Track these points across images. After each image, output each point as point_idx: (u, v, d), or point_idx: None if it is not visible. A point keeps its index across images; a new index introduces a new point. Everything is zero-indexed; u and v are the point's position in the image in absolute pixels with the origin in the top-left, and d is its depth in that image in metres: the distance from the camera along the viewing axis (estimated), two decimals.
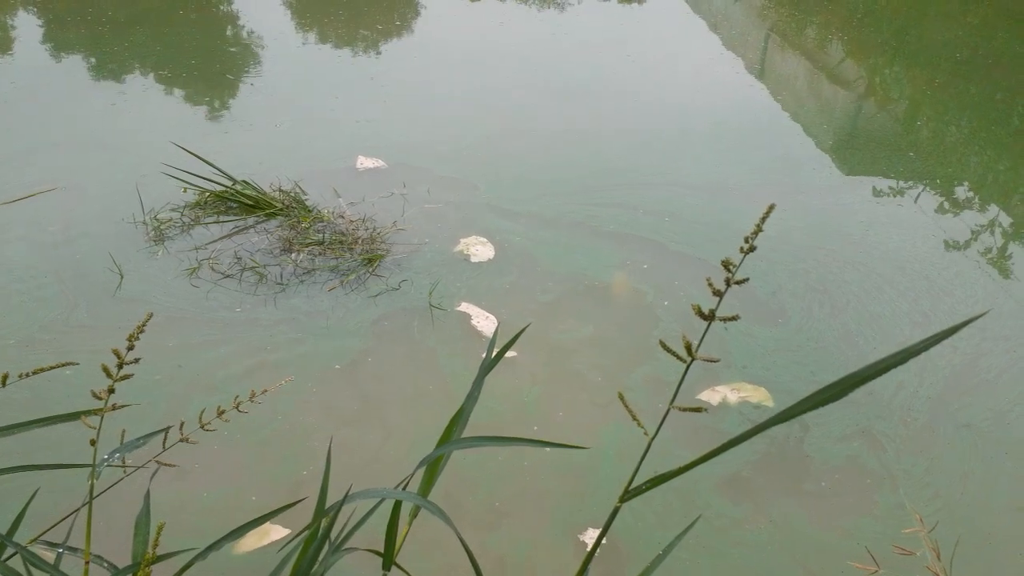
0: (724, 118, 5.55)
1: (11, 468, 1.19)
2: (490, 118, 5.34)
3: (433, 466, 1.19)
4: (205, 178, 4.09)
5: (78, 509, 1.29)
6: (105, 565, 1.23)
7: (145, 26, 6.43)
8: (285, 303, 3.49)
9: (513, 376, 3.18)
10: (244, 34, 6.60)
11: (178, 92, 5.42)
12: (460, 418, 1.17)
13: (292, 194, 4.17)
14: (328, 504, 1.14)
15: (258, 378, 3.07)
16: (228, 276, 3.63)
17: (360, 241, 3.88)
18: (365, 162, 4.61)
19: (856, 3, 8.45)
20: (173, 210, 4.06)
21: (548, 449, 2.83)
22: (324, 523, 1.10)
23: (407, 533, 1.21)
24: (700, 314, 0.84)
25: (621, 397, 0.95)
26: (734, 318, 0.86)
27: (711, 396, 3.14)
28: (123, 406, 1.20)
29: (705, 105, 5.75)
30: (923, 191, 4.82)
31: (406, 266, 3.78)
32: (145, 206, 4.05)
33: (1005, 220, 4.61)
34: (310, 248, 3.82)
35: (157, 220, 3.96)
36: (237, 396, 1.41)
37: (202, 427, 1.31)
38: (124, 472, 1.28)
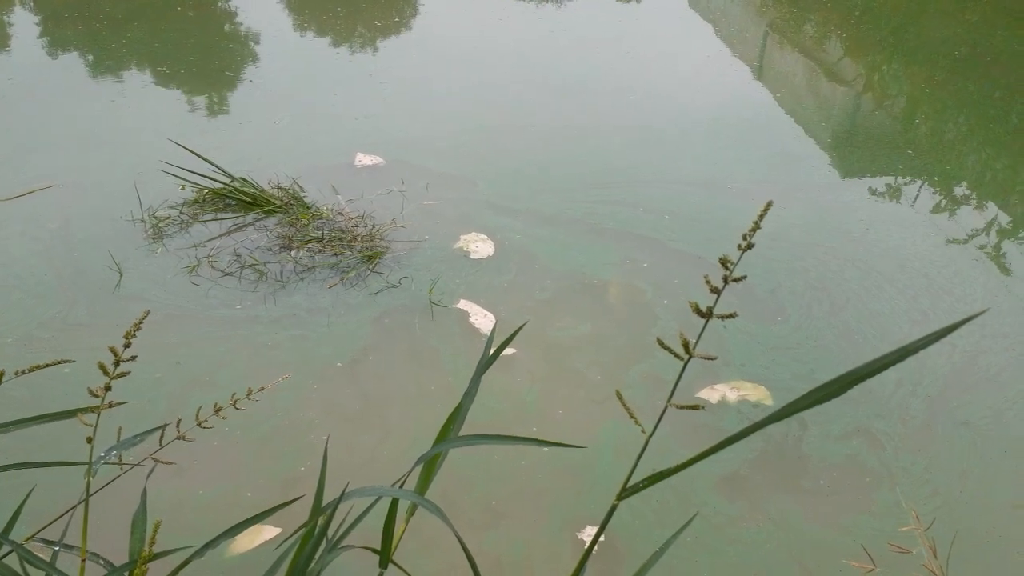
0: (722, 115, 5.55)
1: (8, 466, 1.19)
2: (488, 115, 5.33)
3: (430, 464, 1.18)
4: (203, 175, 4.09)
5: (74, 507, 1.28)
6: (101, 563, 1.23)
7: (143, 22, 6.41)
8: (286, 300, 3.49)
9: (512, 374, 3.17)
10: (242, 31, 6.59)
11: (176, 89, 5.40)
12: (457, 416, 1.17)
13: (291, 191, 4.16)
14: (325, 502, 1.14)
15: (259, 376, 3.06)
16: (228, 274, 3.62)
17: (359, 238, 3.87)
18: (363, 159, 4.60)
19: (854, 0, 8.45)
20: (171, 207, 4.05)
21: (546, 449, 2.83)
22: (321, 521, 1.10)
23: (404, 531, 1.20)
24: (698, 311, 0.84)
25: (619, 395, 0.94)
26: (732, 315, 0.85)
27: (710, 394, 3.14)
28: (119, 404, 1.20)
29: (703, 102, 5.74)
30: (922, 189, 4.82)
31: (406, 263, 3.78)
32: (143, 203, 4.04)
33: (1004, 218, 4.61)
34: (310, 245, 3.82)
35: (155, 218, 3.95)
36: (234, 394, 1.41)
37: (199, 424, 1.31)
38: (121, 469, 1.27)
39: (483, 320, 3.44)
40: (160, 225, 3.91)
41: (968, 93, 6.24)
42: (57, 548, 1.23)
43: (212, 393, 2.98)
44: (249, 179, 4.14)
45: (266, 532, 2.50)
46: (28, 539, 1.21)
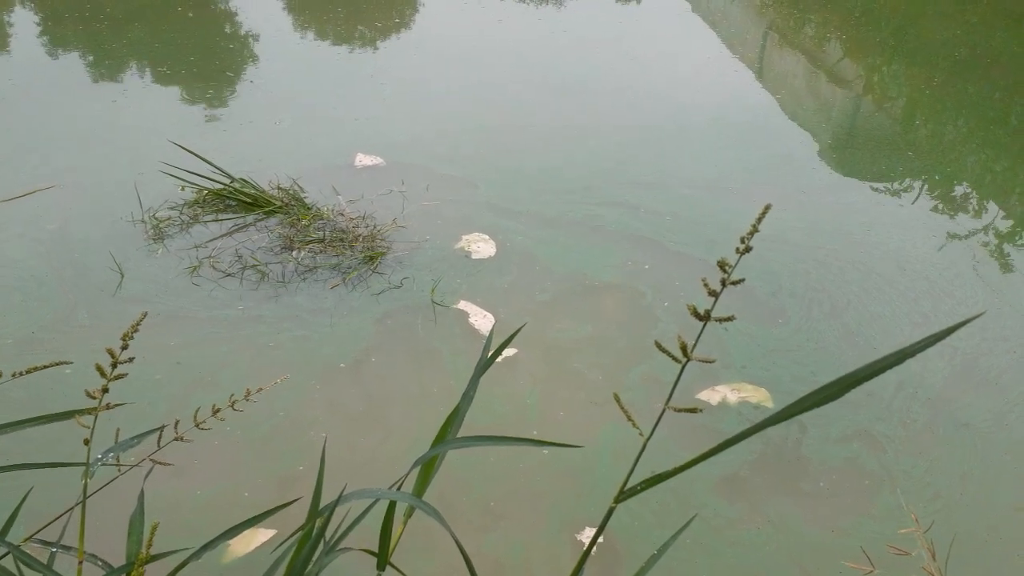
0: (723, 116, 5.54)
1: (5, 467, 1.19)
2: (489, 115, 5.33)
3: (428, 466, 1.18)
4: (203, 176, 4.09)
5: (72, 508, 1.28)
6: (99, 564, 1.23)
7: (143, 23, 6.42)
8: (288, 301, 3.49)
9: (514, 376, 3.17)
10: (242, 31, 6.59)
11: (177, 89, 5.41)
12: (455, 418, 1.17)
13: (291, 192, 4.16)
14: (322, 504, 1.14)
15: (261, 376, 3.06)
16: (229, 274, 3.62)
17: (361, 238, 3.87)
18: (364, 159, 4.60)
19: (854, 2, 8.44)
20: (171, 208, 4.05)
21: (546, 451, 2.83)
22: (319, 523, 1.09)
23: (402, 533, 1.20)
24: (696, 314, 0.84)
25: (617, 398, 0.94)
26: (730, 319, 0.85)
27: (711, 396, 3.13)
28: (117, 405, 1.19)
29: (704, 103, 5.74)
30: (922, 191, 4.82)
31: (407, 263, 3.78)
32: (143, 204, 4.04)
33: (1004, 220, 4.61)
34: (311, 246, 3.82)
35: (156, 219, 3.95)
36: (232, 395, 1.40)
37: (197, 426, 1.31)
38: (118, 471, 1.27)
39: (483, 321, 3.44)
40: (161, 226, 3.91)
41: (968, 94, 6.24)
42: (54, 550, 1.23)
43: (214, 394, 2.98)
44: (249, 180, 4.14)
45: (261, 535, 2.50)
46: (25, 540, 1.21)
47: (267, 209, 4.03)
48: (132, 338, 1.10)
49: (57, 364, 1.20)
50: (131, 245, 3.78)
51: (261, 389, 1.46)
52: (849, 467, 2.87)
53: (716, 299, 0.83)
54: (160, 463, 1.29)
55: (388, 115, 5.22)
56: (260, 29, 6.59)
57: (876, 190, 4.77)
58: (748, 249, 0.79)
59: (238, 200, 4.07)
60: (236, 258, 3.73)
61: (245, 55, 6.17)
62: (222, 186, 4.09)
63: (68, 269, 3.60)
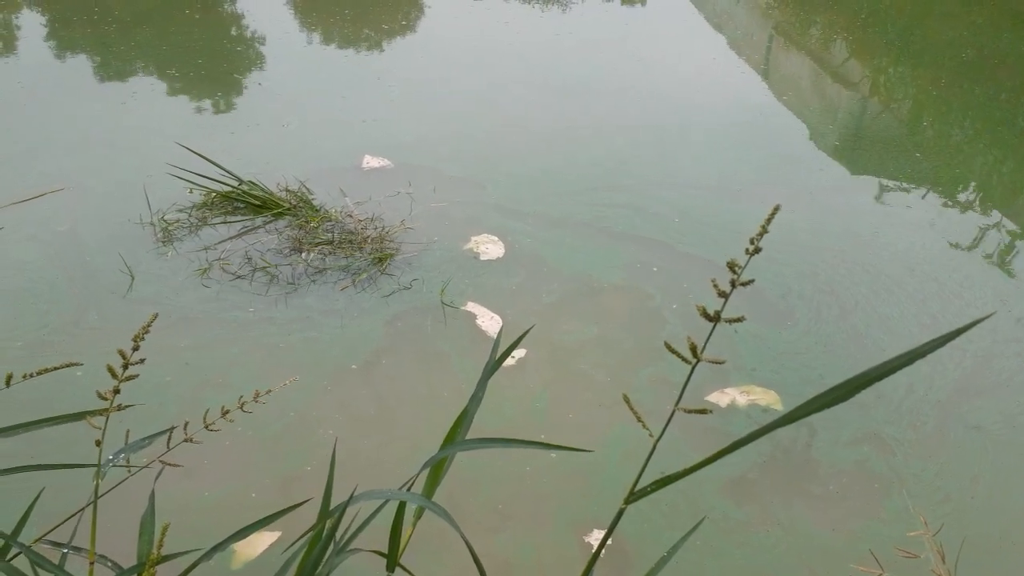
0: (729, 117, 5.54)
1: (15, 468, 1.19)
2: (495, 117, 5.33)
3: (437, 468, 1.18)
4: (211, 178, 4.10)
5: (83, 509, 1.29)
6: (109, 565, 1.23)
7: (151, 25, 6.45)
8: (299, 302, 3.50)
9: (523, 377, 3.17)
10: (249, 34, 6.62)
11: (185, 92, 5.43)
12: (464, 420, 1.17)
13: (299, 194, 4.17)
14: (332, 503, 1.14)
15: (272, 378, 3.07)
16: (239, 276, 3.63)
17: (369, 240, 3.88)
18: (371, 161, 4.61)
19: (860, 3, 8.42)
20: (180, 210, 4.06)
21: (554, 453, 2.83)
22: (329, 524, 1.10)
23: (411, 534, 1.20)
24: (705, 315, 0.84)
25: (626, 399, 0.94)
26: (739, 319, 0.85)
27: (720, 398, 3.13)
28: (127, 406, 1.20)
29: (710, 104, 5.74)
30: (930, 192, 4.80)
31: (416, 264, 3.79)
32: (152, 206, 4.05)
33: (1012, 221, 4.59)
34: (320, 247, 3.83)
35: (165, 221, 3.96)
36: (241, 396, 1.41)
37: (206, 427, 1.31)
38: (128, 472, 1.28)
39: (490, 323, 3.44)
40: (170, 228, 3.92)
41: (975, 96, 6.22)
42: (66, 550, 1.23)
43: (225, 395, 2.99)
44: (257, 182, 4.16)
45: (267, 536, 2.50)
46: (36, 541, 1.22)
47: (275, 211, 4.04)
48: (143, 339, 1.10)
49: (68, 366, 1.20)
50: (140, 247, 3.79)
51: (270, 390, 1.47)
52: (859, 470, 2.86)
53: (726, 300, 0.83)
54: (170, 464, 1.30)
55: (395, 117, 5.23)
56: (267, 31, 6.61)
57: (884, 191, 4.76)
58: (758, 250, 0.79)
59: (246, 202, 4.08)
60: (246, 260, 3.74)
61: (252, 57, 6.20)
62: (230, 188, 4.10)
63: (78, 271, 3.61)
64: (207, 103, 5.32)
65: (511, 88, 5.79)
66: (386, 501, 1.14)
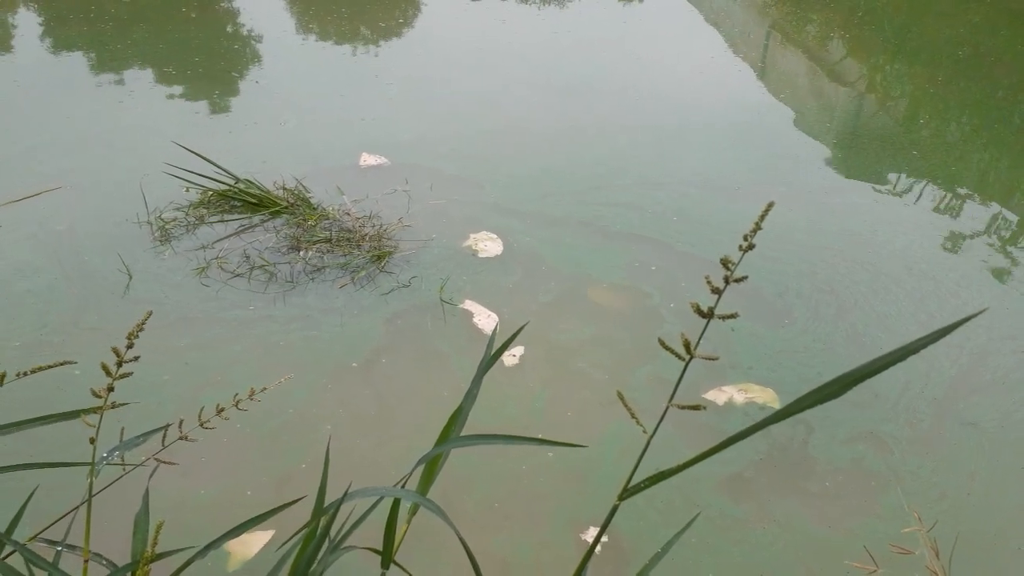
0: (727, 116, 5.54)
1: (9, 467, 1.19)
2: (493, 115, 5.33)
3: (432, 464, 1.18)
4: (208, 177, 4.10)
5: (77, 507, 1.29)
6: (104, 563, 1.23)
7: (147, 24, 6.44)
8: (298, 301, 3.50)
9: (521, 375, 3.17)
10: (246, 32, 6.61)
11: (182, 90, 5.42)
12: (459, 417, 1.17)
13: (296, 192, 4.17)
14: (326, 501, 1.14)
15: (272, 376, 3.06)
16: (238, 275, 3.63)
17: (367, 238, 3.88)
18: (368, 159, 4.61)
19: (857, 1, 8.43)
20: (177, 209, 4.06)
21: (551, 452, 2.83)
22: (323, 521, 1.10)
23: (406, 532, 1.20)
24: (699, 312, 0.84)
25: (620, 396, 0.94)
26: (732, 316, 0.85)
27: (717, 396, 3.13)
28: (122, 404, 1.20)
29: (707, 103, 5.74)
30: (927, 190, 4.81)
31: (415, 262, 3.78)
32: (149, 205, 4.05)
33: (1010, 218, 4.60)
34: (318, 246, 3.83)
35: (162, 220, 3.96)
36: (236, 394, 1.41)
37: (201, 425, 1.31)
38: (123, 470, 1.28)
39: (487, 321, 3.44)
40: (167, 227, 3.92)
41: (971, 93, 6.22)
42: (60, 548, 1.23)
43: (225, 394, 2.98)
44: (254, 180, 4.15)
45: (262, 535, 2.50)
46: (31, 539, 1.21)
47: (273, 209, 4.03)
48: (137, 337, 1.10)
49: (61, 364, 1.20)
50: (138, 246, 3.79)
51: (265, 388, 1.46)
52: (855, 468, 2.87)
53: (719, 296, 0.83)
54: (165, 462, 1.30)
55: (392, 115, 5.23)
56: (264, 30, 6.60)
57: (881, 190, 4.76)
58: (751, 247, 0.79)
59: (243, 201, 4.08)
60: (244, 258, 3.74)
61: (249, 56, 6.19)
62: (227, 187, 4.10)
63: (76, 271, 3.61)
64: (204, 102, 5.32)
65: (509, 87, 5.79)
66: (380, 498, 1.14)
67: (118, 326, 3.29)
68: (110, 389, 1.14)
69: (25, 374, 1.10)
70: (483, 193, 4.38)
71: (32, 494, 1.38)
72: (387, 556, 1.12)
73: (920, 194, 4.75)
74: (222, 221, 4.00)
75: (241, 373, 3.10)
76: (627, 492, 0.90)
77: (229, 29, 6.70)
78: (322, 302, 3.50)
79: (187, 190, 4.13)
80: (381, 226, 4.00)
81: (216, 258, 3.73)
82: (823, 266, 3.95)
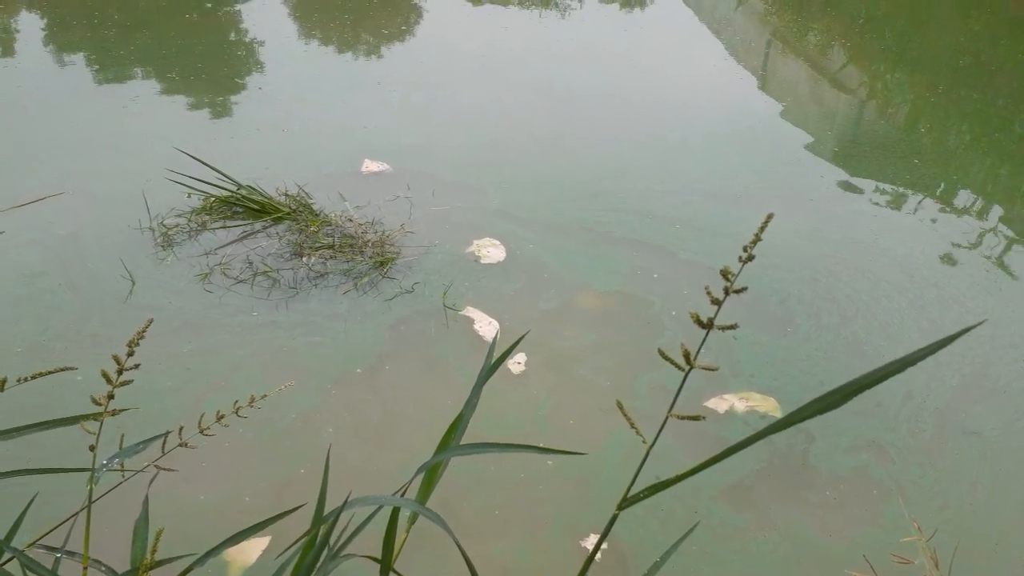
0: (729, 124, 5.55)
1: (8, 472, 1.19)
2: (495, 121, 5.34)
3: (431, 473, 1.18)
4: (210, 183, 4.10)
5: (76, 513, 1.29)
6: (103, 570, 1.23)
7: (150, 30, 6.46)
8: (302, 307, 3.50)
9: (524, 382, 3.17)
10: (249, 38, 6.63)
11: (184, 96, 5.44)
12: (459, 425, 1.17)
13: (298, 198, 4.18)
14: (325, 510, 1.14)
15: (275, 383, 3.06)
16: (241, 281, 3.63)
17: (370, 244, 3.89)
18: (371, 165, 4.62)
19: (858, 9, 8.45)
20: (179, 215, 4.06)
21: (552, 457, 2.82)
22: (322, 530, 1.10)
23: (405, 540, 1.20)
24: (699, 323, 0.84)
25: (620, 405, 0.94)
26: (732, 327, 0.85)
27: (719, 404, 3.13)
28: (122, 410, 1.20)
29: (709, 111, 5.75)
30: (928, 197, 4.81)
31: (418, 268, 3.79)
32: (151, 211, 4.05)
33: (1011, 226, 4.60)
34: (321, 252, 3.83)
35: (164, 226, 3.96)
36: (236, 401, 1.41)
37: (201, 432, 1.31)
38: (123, 476, 1.28)
39: (487, 328, 3.44)
40: (169, 233, 3.92)
41: (972, 102, 6.23)
42: (59, 555, 1.23)
43: (228, 400, 2.97)
44: (256, 186, 4.16)
45: (262, 543, 2.50)
46: (30, 546, 1.21)
47: (275, 216, 4.04)
48: (138, 345, 1.10)
49: (62, 370, 1.20)
50: (141, 252, 3.79)
51: (265, 396, 1.46)
52: (857, 477, 2.86)
53: (719, 307, 0.83)
54: (164, 469, 1.30)
55: (394, 121, 5.24)
56: (267, 36, 6.63)
57: (882, 197, 4.76)
58: (751, 258, 0.80)
59: (245, 207, 4.08)
60: (247, 264, 3.74)
61: (252, 62, 6.21)
62: (229, 193, 4.10)
63: (79, 276, 3.61)
64: (207, 108, 5.33)
65: (511, 93, 5.80)
66: (379, 507, 1.14)
67: (121, 332, 3.29)
68: (110, 396, 1.14)
69: (26, 380, 1.10)
70: (485, 199, 4.39)
71: (32, 501, 1.38)
72: (386, 564, 1.12)
73: (921, 202, 4.75)
74: (224, 227, 4.00)
75: (244, 379, 3.10)
76: (626, 502, 0.90)
77: (232, 35, 6.73)
78: (326, 308, 3.50)
79: (189, 196, 4.14)
80: (383, 232, 4.00)
81: (219, 264, 3.73)
82: (825, 274, 3.95)
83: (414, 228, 4.08)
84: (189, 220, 4.03)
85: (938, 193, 4.88)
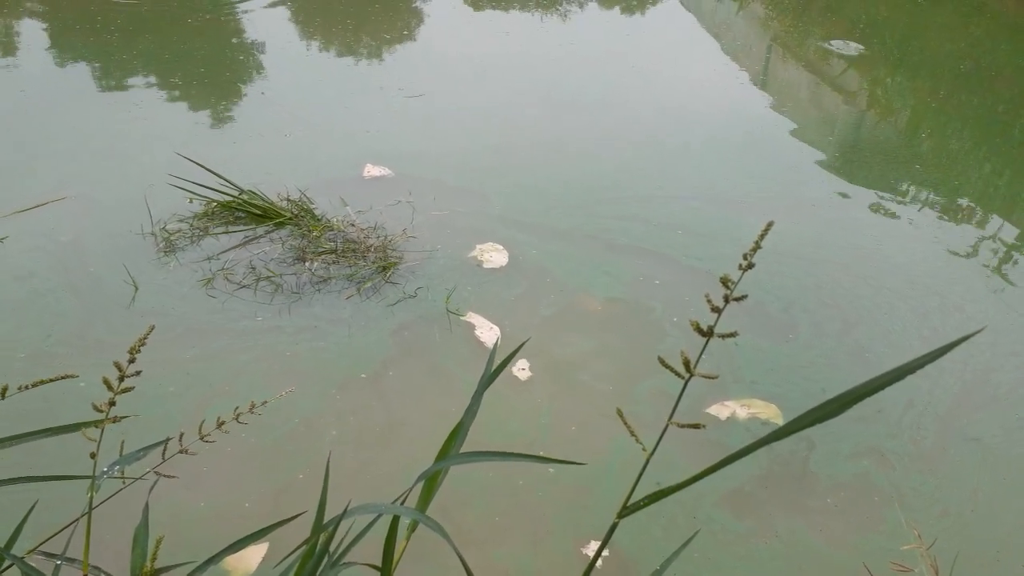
0: (730, 129, 5.55)
1: (9, 480, 1.19)
2: (497, 126, 5.35)
3: (431, 481, 1.18)
4: (212, 188, 4.11)
5: (76, 520, 1.29)
6: None
7: (153, 34, 6.48)
8: (306, 312, 3.50)
9: (526, 388, 3.17)
10: (252, 43, 6.64)
11: (187, 101, 5.45)
12: (459, 433, 1.17)
13: (300, 203, 4.18)
14: (324, 519, 1.14)
15: (279, 388, 3.06)
16: (244, 286, 3.63)
17: (372, 249, 3.89)
18: (372, 170, 4.63)
19: (858, 14, 8.46)
20: (181, 220, 4.07)
21: (553, 464, 2.82)
22: (322, 538, 1.10)
23: (405, 548, 1.20)
24: (699, 331, 0.84)
25: (620, 413, 0.94)
26: (732, 335, 0.85)
27: (720, 411, 3.12)
28: (123, 417, 1.20)
29: (710, 116, 5.75)
30: (929, 203, 4.81)
31: (420, 273, 3.79)
32: (153, 216, 4.06)
33: (1011, 232, 4.59)
34: (323, 256, 3.83)
35: (166, 231, 3.97)
36: (237, 407, 1.41)
37: (201, 438, 1.31)
38: (123, 483, 1.28)
39: (488, 333, 3.44)
40: (172, 238, 3.93)
41: (972, 107, 6.23)
42: (59, 562, 1.23)
43: (231, 405, 2.97)
44: (258, 191, 4.17)
45: (263, 550, 2.49)
46: (30, 552, 1.21)
47: (277, 221, 4.05)
48: (139, 351, 1.11)
49: (64, 377, 1.20)
50: (143, 257, 3.80)
51: (266, 402, 1.46)
52: (858, 483, 2.86)
53: (719, 315, 0.83)
54: (165, 476, 1.30)
55: (395, 126, 5.24)
56: (269, 41, 6.64)
57: (884, 203, 4.76)
58: (751, 266, 0.80)
59: (247, 212, 4.09)
60: (250, 269, 3.74)
61: (254, 66, 6.22)
62: (231, 198, 4.11)
63: (82, 282, 3.61)
64: (209, 112, 5.34)
65: (512, 98, 5.81)
66: (379, 515, 1.14)
67: (124, 337, 3.29)
68: (111, 403, 1.14)
69: (27, 387, 1.10)
70: (487, 205, 4.39)
71: (32, 507, 1.38)
72: (386, 572, 1.11)
73: (922, 208, 4.75)
74: (227, 232, 4.01)
75: (248, 384, 3.10)
76: (626, 510, 0.90)
77: (234, 40, 6.74)
78: (329, 312, 3.50)
79: (191, 201, 4.14)
80: (386, 237, 4.01)
81: (221, 269, 3.74)
82: (827, 280, 3.95)
83: (416, 233, 4.08)
84: (191, 225, 4.03)
85: (939, 199, 4.88)
